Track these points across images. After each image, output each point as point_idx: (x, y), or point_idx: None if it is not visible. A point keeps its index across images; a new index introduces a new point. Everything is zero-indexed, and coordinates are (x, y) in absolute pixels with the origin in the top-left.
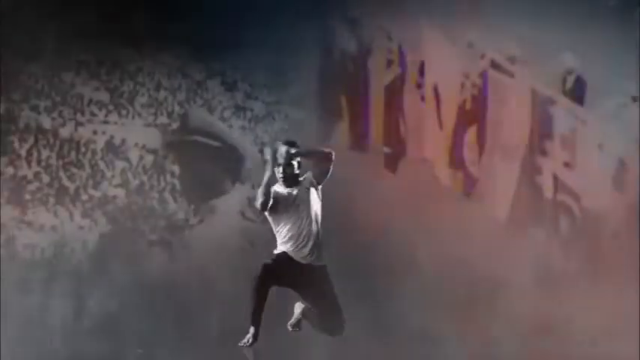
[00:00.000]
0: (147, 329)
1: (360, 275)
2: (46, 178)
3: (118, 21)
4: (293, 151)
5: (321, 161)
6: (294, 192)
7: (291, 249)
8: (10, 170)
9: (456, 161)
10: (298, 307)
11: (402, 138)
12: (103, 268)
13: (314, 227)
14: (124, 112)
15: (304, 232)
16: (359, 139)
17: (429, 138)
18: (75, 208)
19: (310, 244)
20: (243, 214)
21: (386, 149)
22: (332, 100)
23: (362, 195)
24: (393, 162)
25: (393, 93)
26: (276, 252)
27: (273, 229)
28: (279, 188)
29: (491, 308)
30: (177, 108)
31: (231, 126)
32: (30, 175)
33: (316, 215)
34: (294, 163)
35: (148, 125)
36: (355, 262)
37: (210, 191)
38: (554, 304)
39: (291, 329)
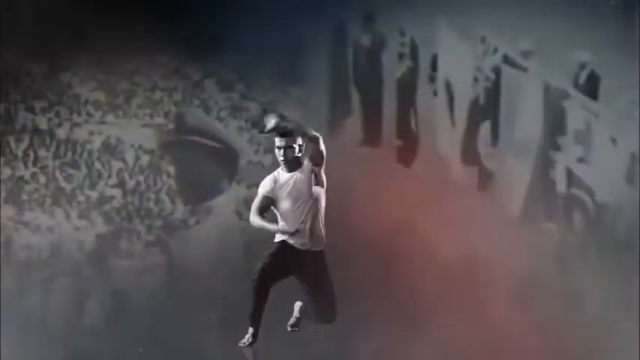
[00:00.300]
0: (145, 329)
1: (372, 270)
2: (42, 179)
3: (115, 21)
4: (279, 125)
5: (309, 141)
6: (296, 176)
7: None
8: (7, 171)
9: (470, 156)
10: (297, 306)
11: (415, 132)
12: (99, 268)
13: (314, 212)
14: (120, 112)
15: (304, 218)
16: (371, 134)
17: (442, 132)
18: (72, 209)
19: (309, 229)
20: (239, 214)
21: (399, 143)
22: (343, 94)
23: (375, 189)
24: (406, 156)
25: (406, 87)
26: (275, 241)
27: (277, 214)
28: (280, 174)
29: (504, 302)
30: (173, 108)
31: (227, 126)
32: (27, 176)
33: (318, 201)
34: (295, 146)
35: (145, 126)
36: (368, 257)
37: (207, 191)
38: (567, 298)
39: (290, 329)
